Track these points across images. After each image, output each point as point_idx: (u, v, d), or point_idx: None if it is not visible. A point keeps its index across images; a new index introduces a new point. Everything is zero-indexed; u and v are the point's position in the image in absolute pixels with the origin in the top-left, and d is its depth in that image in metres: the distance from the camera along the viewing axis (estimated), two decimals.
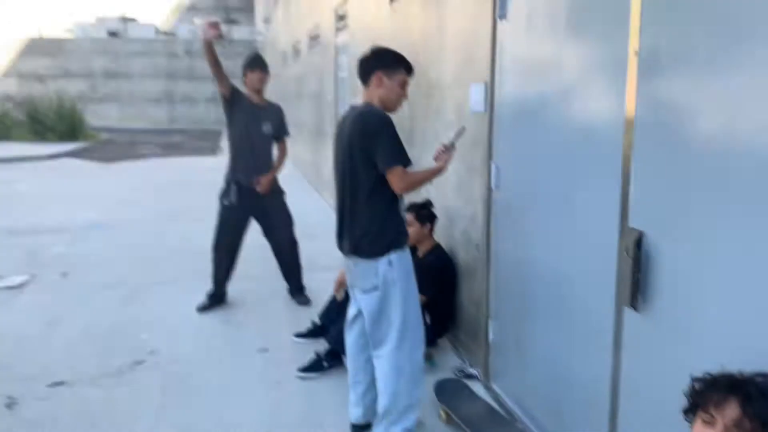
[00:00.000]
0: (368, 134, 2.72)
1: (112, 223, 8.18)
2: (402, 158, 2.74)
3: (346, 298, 4.19)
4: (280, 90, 17.01)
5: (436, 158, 2.94)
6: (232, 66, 31.23)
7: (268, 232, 5.15)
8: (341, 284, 4.24)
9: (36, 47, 29.45)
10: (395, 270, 2.81)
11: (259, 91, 4.93)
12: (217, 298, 5.09)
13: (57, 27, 34.01)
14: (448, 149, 2.94)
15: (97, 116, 27.54)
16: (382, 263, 2.80)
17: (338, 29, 8.04)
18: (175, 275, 5.84)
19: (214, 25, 4.31)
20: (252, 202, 4.95)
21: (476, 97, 3.46)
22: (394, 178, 2.73)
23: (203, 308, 5.01)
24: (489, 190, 3.41)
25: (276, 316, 4.84)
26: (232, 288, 5.30)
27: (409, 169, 2.77)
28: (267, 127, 4.97)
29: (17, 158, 15.59)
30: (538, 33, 2.88)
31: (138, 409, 3.43)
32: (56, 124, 19.90)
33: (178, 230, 7.67)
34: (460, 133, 3.01)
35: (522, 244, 3.12)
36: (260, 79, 4.89)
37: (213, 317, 4.83)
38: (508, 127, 3.21)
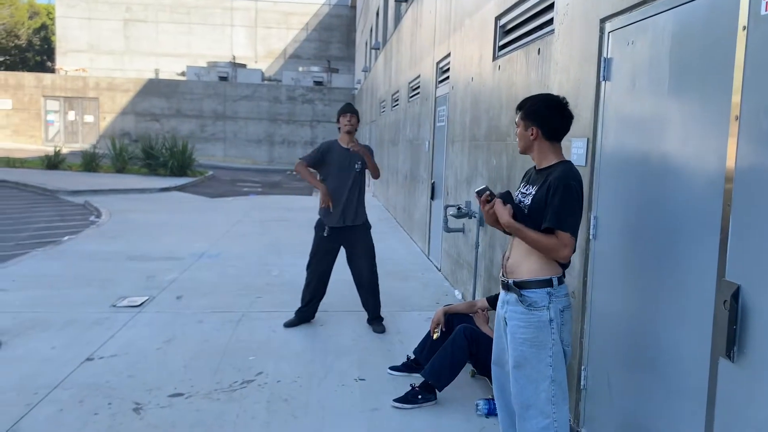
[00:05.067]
0: None
1: (219, 253, 8.75)
2: None
3: (441, 337, 4.37)
4: (377, 136, 17.56)
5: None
6: (330, 111, 32.07)
7: (351, 260, 5.59)
8: (437, 323, 4.43)
9: (153, 88, 31.73)
10: None
11: (350, 133, 5.49)
12: (303, 316, 5.60)
13: (172, 70, 36.46)
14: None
15: (203, 154, 29.23)
16: None
17: (439, 81, 8.39)
18: (276, 304, 6.20)
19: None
20: (342, 233, 5.50)
21: (578, 151, 3.62)
22: None
23: (290, 324, 5.54)
24: (587, 240, 3.54)
25: (373, 349, 5.08)
26: (335, 320, 5.59)
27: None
28: (358, 165, 5.50)
29: (133, 190, 16.80)
30: (641, 94, 3.04)
31: (247, 424, 3.72)
32: (168, 160, 21.30)
33: (279, 263, 8.11)
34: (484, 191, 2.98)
35: (618, 292, 3.22)
36: (351, 122, 5.48)
37: (313, 344, 5.12)
38: (608, 181, 3.35)
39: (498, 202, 2.86)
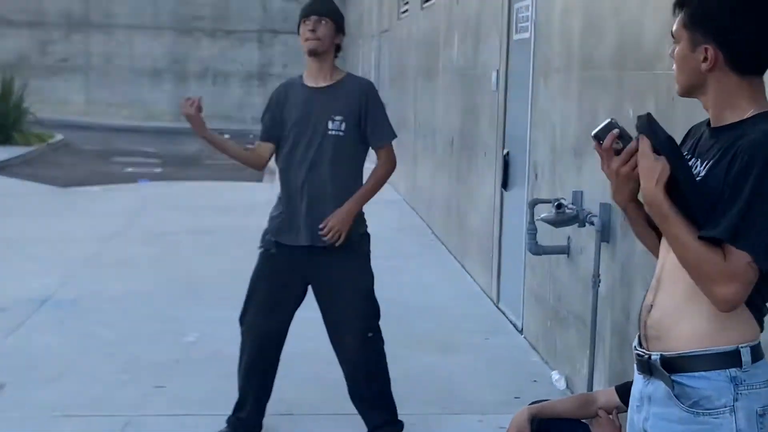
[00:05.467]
0: None
1: (79, 298, 8.79)
2: None
3: None
4: (393, 62, 17.59)
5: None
6: (297, 10, 32.82)
7: (330, 323, 5.54)
8: None
9: None
10: None
11: (316, 55, 5.34)
12: (241, 426, 5.52)
13: None
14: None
15: (46, 100, 29.35)
16: None
17: None
18: (191, 400, 6.24)
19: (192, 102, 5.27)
20: (309, 260, 5.38)
21: None
22: None
23: None
24: None
25: None
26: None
27: None
28: (337, 124, 5.33)
29: None
30: None
31: None
32: None
33: (196, 318, 8.13)
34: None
35: None
36: (317, 33, 5.28)
37: None
38: None
39: (644, 143, 2.77)
